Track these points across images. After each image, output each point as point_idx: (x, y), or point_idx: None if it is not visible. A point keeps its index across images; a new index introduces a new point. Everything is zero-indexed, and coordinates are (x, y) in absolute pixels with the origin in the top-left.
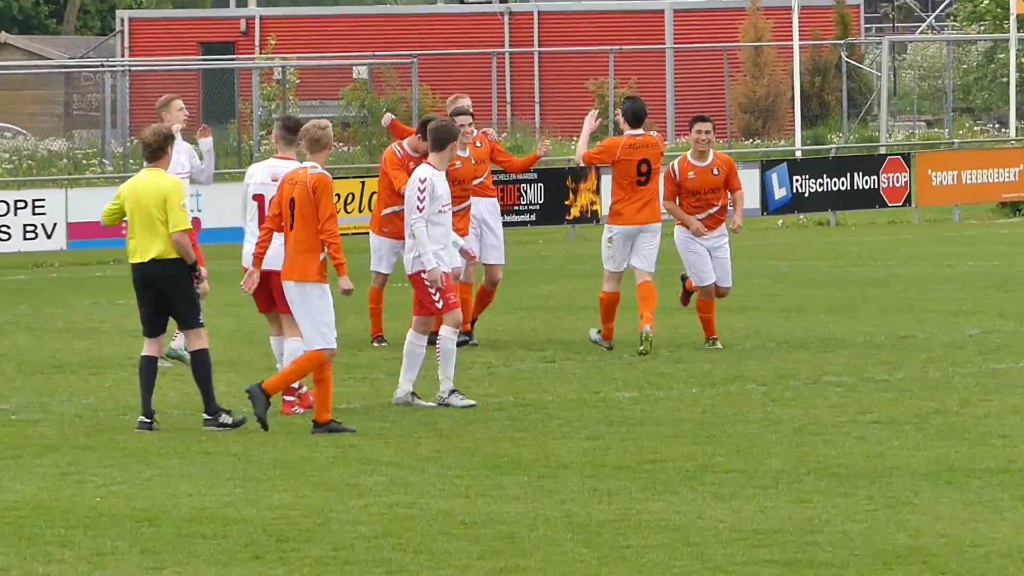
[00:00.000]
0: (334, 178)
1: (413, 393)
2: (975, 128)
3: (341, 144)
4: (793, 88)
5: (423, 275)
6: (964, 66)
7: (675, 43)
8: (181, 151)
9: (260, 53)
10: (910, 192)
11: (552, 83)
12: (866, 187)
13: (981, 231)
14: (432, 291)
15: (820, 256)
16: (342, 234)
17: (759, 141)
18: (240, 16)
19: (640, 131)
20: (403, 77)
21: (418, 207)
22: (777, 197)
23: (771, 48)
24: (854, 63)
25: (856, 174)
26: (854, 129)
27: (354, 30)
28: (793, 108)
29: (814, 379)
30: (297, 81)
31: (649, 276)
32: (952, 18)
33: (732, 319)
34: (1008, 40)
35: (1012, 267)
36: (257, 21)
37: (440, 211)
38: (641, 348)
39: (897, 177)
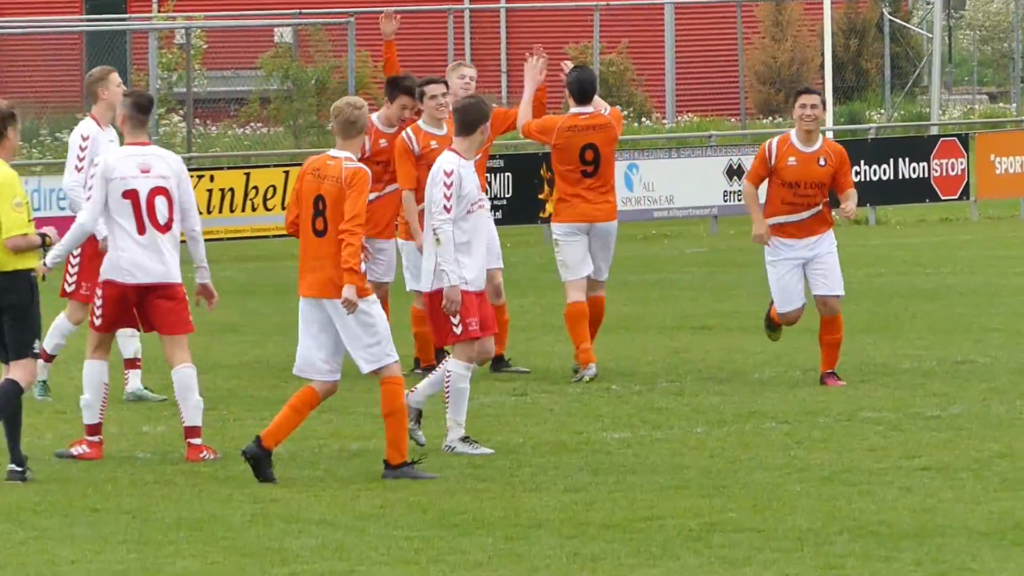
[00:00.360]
0: (250, 166)
1: (466, 438)
2: None
3: (260, 124)
4: (824, 53)
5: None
6: None
7: None
8: (114, 141)
9: (159, 11)
10: (968, 182)
11: (523, 47)
12: (914, 176)
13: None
14: (452, 313)
15: (856, 262)
16: (262, 236)
17: (781, 119)
18: None
19: (588, 108)
20: (337, 40)
21: (445, 206)
22: None
23: (796, 3)
24: (899, 22)
25: (902, 160)
26: (899, 104)
27: None
28: (823, 78)
29: (848, 415)
30: (205, 46)
31: (600, 288)
32: None
33: (747, 342)
34: None
35: None
36: None
37: (468, 211)
38: (576, 378)
39: (952, 164)
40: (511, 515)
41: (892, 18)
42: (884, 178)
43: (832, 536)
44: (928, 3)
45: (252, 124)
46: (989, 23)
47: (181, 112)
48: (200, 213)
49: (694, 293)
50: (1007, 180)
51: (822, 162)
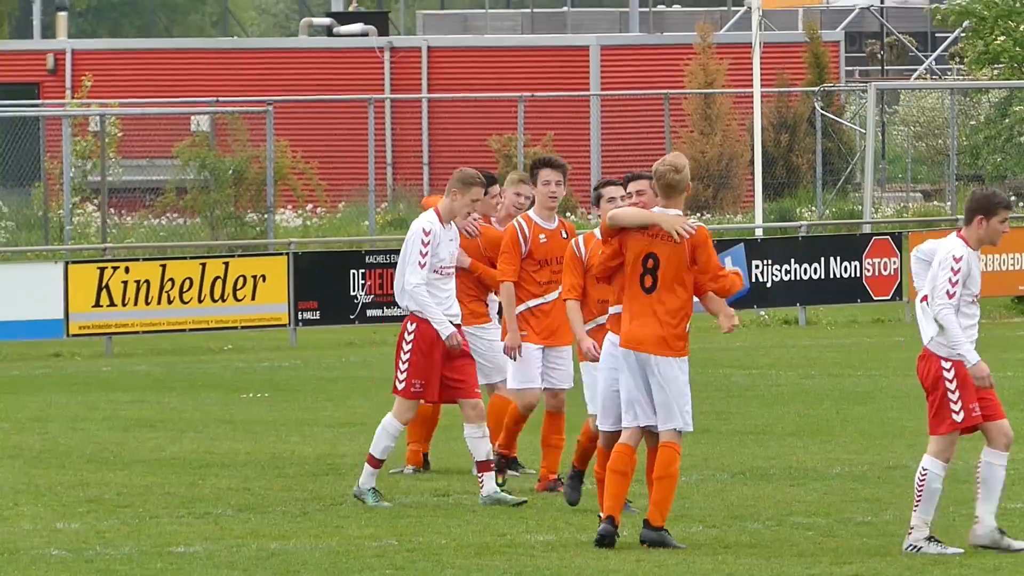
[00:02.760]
0: (167, 258)
1: (1000, 530)
2: None
3: (176, 215)
4: (753, 148)
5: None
6: (972, 122)
7: (603, 89)
8: (454, 240)
9: (72, 97)
10: (901, 282)
11: (445, 138)
12: (846, 276)
13: (992, 332)
14: (954, 395)
15: (786, 363)
16: (178, 330)
17: (709, 216)
18: (47, 50)
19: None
20: (255, 129)
21: (948, 292)
22: None
23: (726, 96)
24: (832, 116)
25: (833, 259)
26: (831, 202)
27: (192, 69)
28: (753, 174)
29: (778, 520)
30: (120, 134)
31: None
32: (957, 60)
33: None
34: None
35: None
36: (68, 56)
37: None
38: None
39: (885, 263)
40: None
41: (824, 113)
42: (815, 277)
43: None
44: (861, 98)
45: (168, 214)
46: (924, 119)
47: (95, 201)
48: (115, 305)
49: None
50: None
51: (564, 235)
